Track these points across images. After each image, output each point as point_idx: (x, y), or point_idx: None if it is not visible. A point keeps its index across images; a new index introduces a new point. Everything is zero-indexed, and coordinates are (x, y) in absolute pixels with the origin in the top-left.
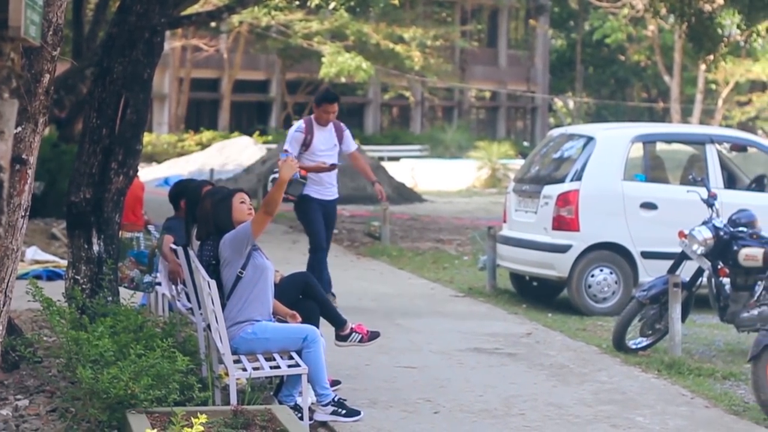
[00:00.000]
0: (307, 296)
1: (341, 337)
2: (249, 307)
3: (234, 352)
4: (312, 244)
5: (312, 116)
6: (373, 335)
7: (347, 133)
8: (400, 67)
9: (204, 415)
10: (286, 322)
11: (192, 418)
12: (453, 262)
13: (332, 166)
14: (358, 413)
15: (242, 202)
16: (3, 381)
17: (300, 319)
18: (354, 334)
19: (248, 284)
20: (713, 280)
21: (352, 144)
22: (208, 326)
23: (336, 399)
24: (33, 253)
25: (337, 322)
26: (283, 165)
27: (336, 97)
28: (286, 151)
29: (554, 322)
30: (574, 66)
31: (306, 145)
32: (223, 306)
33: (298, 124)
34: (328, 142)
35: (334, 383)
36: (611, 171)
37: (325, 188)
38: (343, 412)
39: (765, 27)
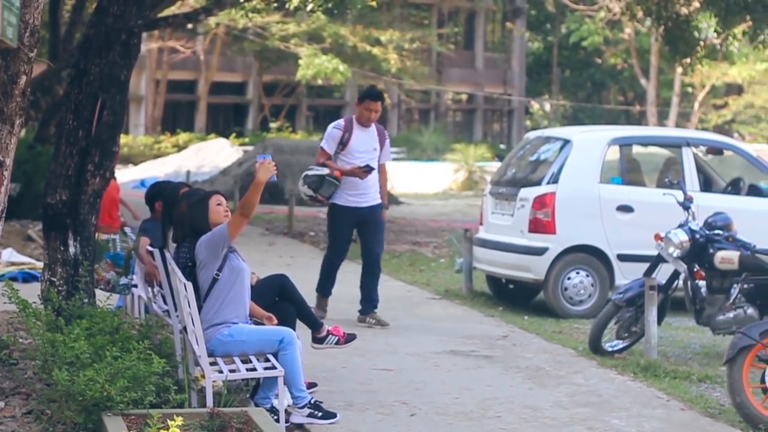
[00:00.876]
0: (283, 298)
1: (318, 340)
2: (225, 309)
3: (210, 354)
4: (328, 251)
5: (354, 115)
6: (350, 337)
7: (388, 142)
8: (377, 70)
9: (180, 418)
10: (262, 324)
11: (168, 421)
12: (429, 264)
13: (367, 169)
14: (334, 416)
15: (219, 204)
16: None
17: (276, 321)
18: (330, 336)
19: (224, 286)
20: (689, 282)
21: (388, 155)
22: (185, 328)
23: (312, 401)
24: (9, 255)
25: (314, 325)
26: (260, 167)
27: (380, 94)
28: (264, 153)
29: (530, 324)
30: (551, 69)
31: (343, 144)
32: (200, 308)
33: (337, 121)
34: (367, 144)
35: (311, 385)
36: (588, 174)
37: (359, 194)
38: (320, 414)
39: (741, 30)
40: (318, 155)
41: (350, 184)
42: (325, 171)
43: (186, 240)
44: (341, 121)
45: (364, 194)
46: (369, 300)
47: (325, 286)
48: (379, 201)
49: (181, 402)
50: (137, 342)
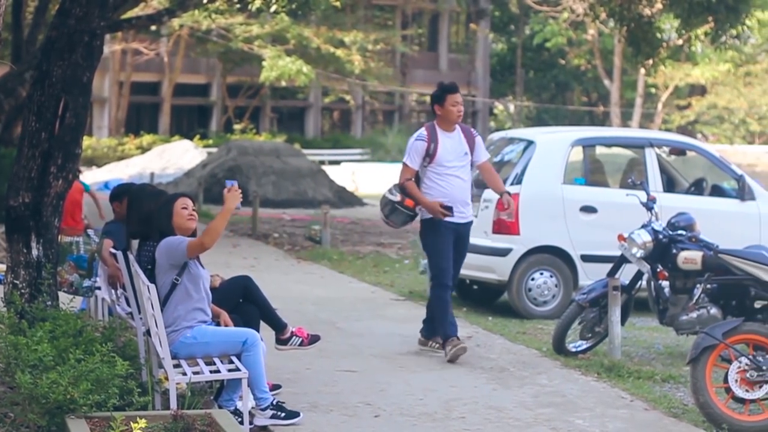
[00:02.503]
0: (247, 300)
1: (281, 341)
2: (187, 312)
3: (174, 357)
4: (433, 279)
5: (434, 122)
6: (314, 339)
7: (479, 139)
8: (341, 71)
9: (144, 420)
10: (219, 324)
11: (131, 423)
12: (394, 265)
13: (449, 210)
14: (297, 415)
15: (184, 208)
16: None
17: (227, 317)
18: (294, 337)
19: (184, 290)
20: (652, 283)
21: (484, 153)
22: (148, 331)
23: (275, 402)
24: None
25: (278, 326)
26: (229, 195)
27: (456, 86)
28: (231, 179)
29: (494, 325)
30: (515, 70)
31: (430, 155)
32: (161, 310)
33: (419, 131)
34: (457, 151)
35: (275, 387)
36: (551, 175)
37: (457, 208)
38: (282, 415)
39: (703, 31)
40: (402, 173)
41: (450, 198)
42: (396, 198)
43: (149, 240)
44: (423, 131)
45: (464, 208)
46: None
47: (445, 325)
48: (471, 218)
49: (145, 404)
50: (101, 344)
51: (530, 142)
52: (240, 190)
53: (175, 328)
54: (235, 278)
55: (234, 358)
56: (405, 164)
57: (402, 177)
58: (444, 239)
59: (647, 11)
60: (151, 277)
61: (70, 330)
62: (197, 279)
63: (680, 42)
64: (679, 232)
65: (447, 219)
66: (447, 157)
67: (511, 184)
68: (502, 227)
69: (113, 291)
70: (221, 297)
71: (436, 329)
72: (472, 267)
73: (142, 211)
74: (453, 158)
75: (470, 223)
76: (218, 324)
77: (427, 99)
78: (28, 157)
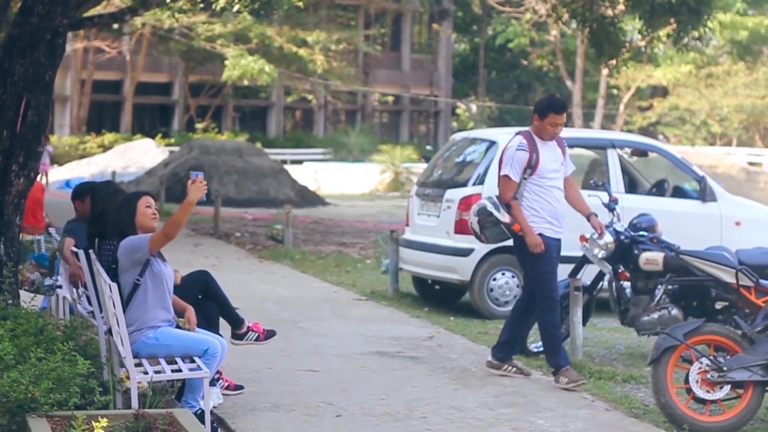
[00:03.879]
0: (206, 296)
1: (237, 336)
2: (149, 313)
3: (135, 356)
4: (542, 302)
5: (530, 129)
6: (269, 334)
7: (567, 150)
8: (304, 71)
9: (105, 419)
10: (182, 315)
11: (93, 422)
12: (356, 265)
13: (541, 248)
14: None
15: (147, 207)
16: None
17: (192, 313)
18: (250, 332)
19: (147, 290)
20: (614, 283)
21: (571, 165)
22: (110, 330)
23: (198, 413)
24: None
25: (235, 322)
26: (192, 187)
27: (565, 104)
28: (195, 170)
29: (456, 325)
30: (477, 70)
31: (532, 167)
32: (124, 310)
33: (518, 141)
34: (556, 160)
35: (237, 388)
36: None
37: (560, 224)
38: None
39: (666, 33)
40: (504, 187)
41: (553, 212)
42: (506, 219)
43: (110, 239)
44: (522, 140)
45: (562, 223)
46: (517, 341)
47: (559, 354)
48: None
49: (106, 403)
50: (62, 343)
51: (492, 143)
52: (204, 183)
53: (137, 327)
54: (194, 274)
55: (196, 358)
56: (507, 177)
57: (505, 192)
58: (552, 259)
59: (610, 12)
60: (114, 276)
61: (31, 328)
62: (160, 277)
63: (642, 43)
64: (641, 233)
65: (557, 236)
66: (548, 166)
67: (474, 184)
68: (464, 227)
69: (74, 290)
70: (181, 293)
71: (554, 354)
72: (434, 267)
73: (105, 210)
74: (553, 168)
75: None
76: (181, 318)
77: (390, 98)
78: None
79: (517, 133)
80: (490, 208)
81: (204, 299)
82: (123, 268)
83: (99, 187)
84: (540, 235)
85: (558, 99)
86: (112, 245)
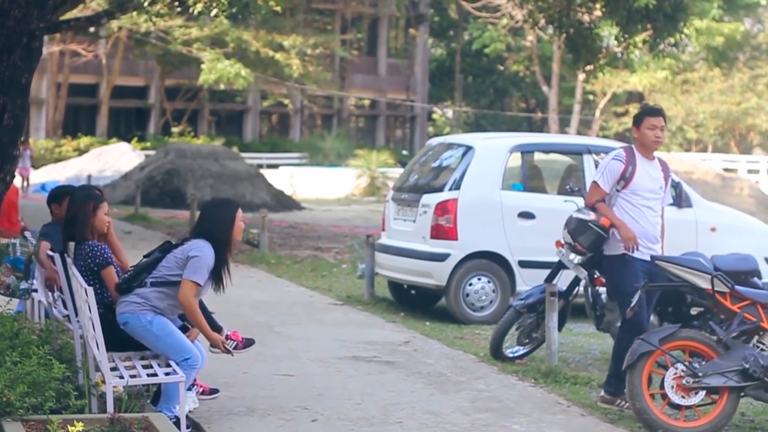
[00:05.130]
0: None
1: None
2: (163, 302)
3: (123, 324)
4: (626, 325)
5: (633, 145)
6: (248, 342)
7: (670, 180)
8: (280, 75)
9: (80, 423)
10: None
11: (68, 426)
12: (331, 270)
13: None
14: None
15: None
16: None
17: (197, 335)
18: (229, 341)
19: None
20: (590, 289)
21: (668, 197)
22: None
23: (174, 420)
24: None
25: (213, 329)
26: (219, 342)
27: (661, 110)
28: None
29: (432, 330)
30: (454, 75)
31: (626, 179)
32: (142, 282)
33: (617, 151)
34: (654, 182)
35: (212, 391)
36: (489, 180)
37: (650, 242)
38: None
39: (642, 39)
40: (590, 192)
41: (642, 231)
42: (590, 216)
43: (86, 241)
44: (622, 151)
45: (654, 245)
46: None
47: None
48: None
49: (82, 407)
50: (37, 347)
51: (469, 148)
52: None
53: (143, 303)
54: None
55: (172, 362)
56: (596, 184)
57: (591, 197)
58: (635, 279)
59: (586, 18)
60: (91, 278)
61: (7, 332)
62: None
63: (618, 49)
64: None
65: (640, 257)
66: (645, 184)
67: (450, 189)
68: (440, 232)
69: (50, 293)
70: None
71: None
72: (410, 272)
73: (77, 213)
74: (650, 188)
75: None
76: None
77: (366, 103)
78: None
79: (620, 147)
80: (575, 213)
81: None
82: (181, 263)
83: (76, 190)
84: (624, 256)
85: (650, 105)
86: (90, 247)
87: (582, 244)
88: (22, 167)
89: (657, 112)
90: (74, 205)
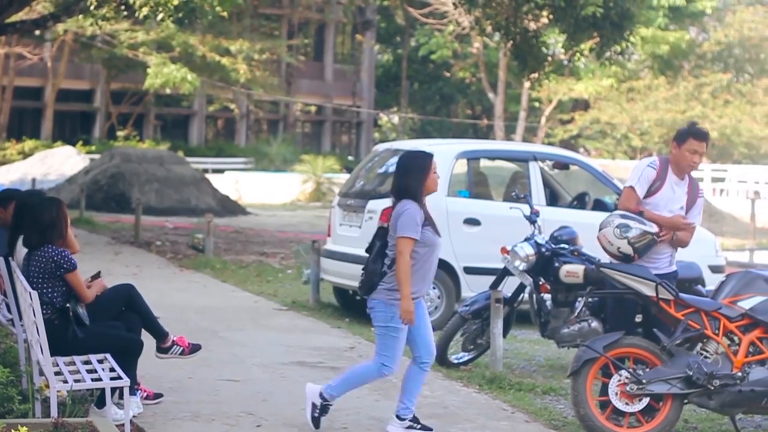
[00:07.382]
0: (130, 308)
1: (162, 350)
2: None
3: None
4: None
5: (668, 157)
6: (194, 348)
7: (701, 201)
8: (226, 80)
9: (24, 428)
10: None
11: (12, 431)
12: (277, 275)
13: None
14: None
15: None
16: None
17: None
18: (175, 346)
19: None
20: (534, 296)
21: (698, 217)
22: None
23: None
24: None
25: (159, 335)
26: None
27: (708, 135)
28: None
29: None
30: (400, 81)
31: (651, 191)
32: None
33: (652, 158)
34: (674, 202)
35: (156, 396)
36: None
37: (658, 255)
38: None
39: (588, 47)
40: (626, 197)
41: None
42: (654, 229)
43: (43, 246)
44: (657, 160)
45: (660, 257)
46: None
47: None
48: (673, 268)
49: (25, 412)
50: None
51: None
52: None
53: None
54: (118, 286)
55: (114, 364)
56: (632, 189)
57: (628, 203)
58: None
59: (533, 25)
60: (45, 283)
61: None
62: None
63: (565, 57)
64: (562, 245)
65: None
66: (665, 203)
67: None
68: None
69: None
70: (104, 305)
71: None
72: (356, 278)
73: (43, 219)
74: (668, 208)
75: (671, 273)
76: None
77: (312, 108)
78: None
79: (657, 156)
80: (635, 224)
81: (127, 312)
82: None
83: (27, 195)
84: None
85: (700, 127)
86: (56, 253)
87: (639, 255)
88: None
89: (703, 136)
90: (51, 211)
